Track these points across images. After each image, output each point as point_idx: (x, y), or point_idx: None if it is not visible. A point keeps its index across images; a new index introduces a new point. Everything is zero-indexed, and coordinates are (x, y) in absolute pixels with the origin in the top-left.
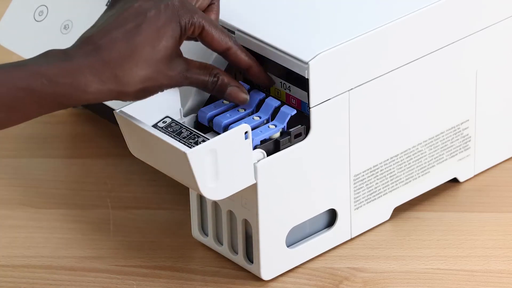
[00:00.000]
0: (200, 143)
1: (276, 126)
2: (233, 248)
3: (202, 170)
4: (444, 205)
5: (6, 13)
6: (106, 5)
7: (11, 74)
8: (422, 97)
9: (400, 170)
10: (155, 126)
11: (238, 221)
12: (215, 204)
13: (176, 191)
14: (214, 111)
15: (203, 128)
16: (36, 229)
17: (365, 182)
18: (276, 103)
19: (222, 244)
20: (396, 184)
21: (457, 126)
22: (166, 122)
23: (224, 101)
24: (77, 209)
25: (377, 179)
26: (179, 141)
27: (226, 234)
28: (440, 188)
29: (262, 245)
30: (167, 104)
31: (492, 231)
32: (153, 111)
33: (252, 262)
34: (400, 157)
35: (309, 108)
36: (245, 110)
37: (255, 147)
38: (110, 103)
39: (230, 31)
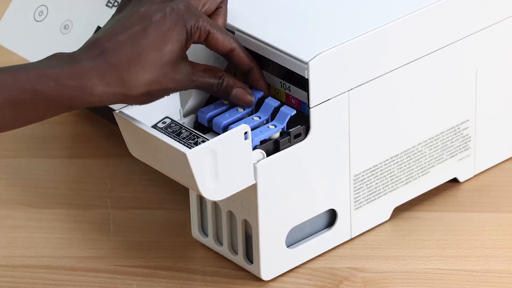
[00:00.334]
0: (199, 143)
1: (275, 126)
2: (233, 248)
3: (202, 171)
4: (444, 205)
5: (6, 13)
6: (106, 5)
7: (17, 76)
8: (422, 97)
9: (400, 170)
10: (154, 126)
11: (238, 221)
12: (215, 204)
13: (176, 191)
14: (213, 112)
15: (202, 128)
16: (36, 229)
17: (365, 182)
18: (276, 103)
19: (222, 244)
20: (396, 184)
21: (457, 126)
22: (165, 122)
23: (224, 102)
24: (77, 209)
25: (377, 179)
26: (178, 141)
27: (226, 234)
28: (440, 188)
29: (262, 245)
30: (167, 104)
31: (492, 231)
32: (152, 112)
33: (252, 262)
34: (400, 157)
35: (309, 108)
36: (244, 110)
37: (254, 148)
38: None
39: (230, 31)
